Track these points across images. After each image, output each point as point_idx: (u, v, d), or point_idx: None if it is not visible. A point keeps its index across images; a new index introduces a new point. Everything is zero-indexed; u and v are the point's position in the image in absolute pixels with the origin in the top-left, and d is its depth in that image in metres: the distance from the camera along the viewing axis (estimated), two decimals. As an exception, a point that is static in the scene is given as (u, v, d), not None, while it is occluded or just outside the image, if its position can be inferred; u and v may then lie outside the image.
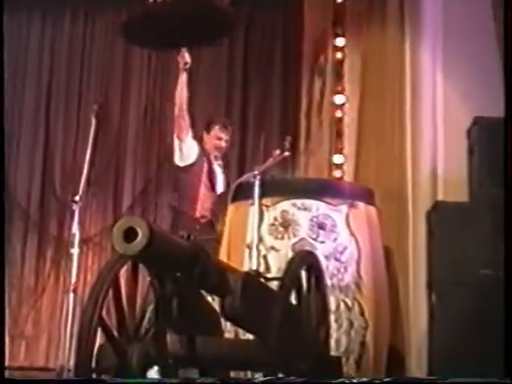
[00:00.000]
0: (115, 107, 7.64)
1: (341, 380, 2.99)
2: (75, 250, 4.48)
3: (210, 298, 3.11)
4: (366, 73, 5.88)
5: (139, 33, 5.36)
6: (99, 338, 2.66)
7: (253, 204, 4.25)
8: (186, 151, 5.42)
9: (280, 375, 2.92)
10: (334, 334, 4.15)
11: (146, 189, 7.52)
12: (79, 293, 4.54)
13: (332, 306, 4.18)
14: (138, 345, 2.67)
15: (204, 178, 5.41)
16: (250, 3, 7.44)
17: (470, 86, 5.30)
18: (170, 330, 2.85)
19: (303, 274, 3.02)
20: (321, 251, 4.22)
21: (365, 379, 2.92)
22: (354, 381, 2.95)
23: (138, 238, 2.40)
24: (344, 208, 4.41)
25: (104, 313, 2.62)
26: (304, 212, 4.37)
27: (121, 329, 2.68)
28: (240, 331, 3.47)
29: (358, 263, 4.36)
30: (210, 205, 5.34)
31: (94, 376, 2.65)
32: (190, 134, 5.47)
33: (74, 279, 4.45)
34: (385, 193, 5.20)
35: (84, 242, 7.02)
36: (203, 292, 2.93)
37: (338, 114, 6.05)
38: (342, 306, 4.28)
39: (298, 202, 4.39)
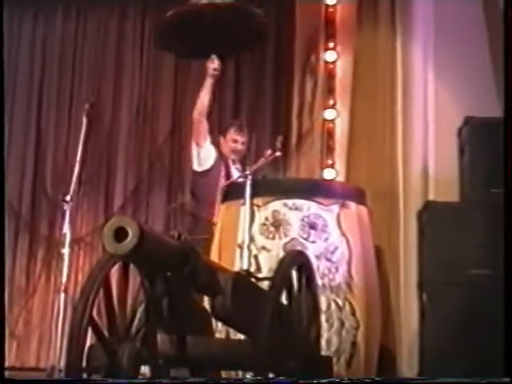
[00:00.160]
0: (107, 106, 7.62)
1: (331, 380, 3.00)
2: (66, 250, 4.47)
3: (202, 299, 3.12)
4: (357, 73, 5.88)
5: (171, 38, 5.38)
6: (90, 338, 2.66)
7: (244, 204, 4.24)
8: (203, 156, 5.40)
9: (270, 375, 2.93)
10: (325, 334, 4.16)
11: (138, 188, 7.49)
12: (70, 293, 4.53)
13: (323, 305, 4.18)
14: (129, 345, 2.67)
15: (222, 182, 5.38)
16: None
17: (461, 85, 5.32)
18: (160, 330, 2.85)
19: (294, 273, 3.02)
20: (312, 251, 4.22)
21: (355, 379, 2.92)
22: (344, 381, 2.96)
23: (129, 238, 2.40)
24: (335, 208, 4.41)
25: (95, 313, 2.61)
26: (295, 212, 4.37)
27: (111, 329, 2.68)
28: (231, 331, 3.48)
29: (349, 263, 4.36)
30: None
31: (84, 376, 2.65)
32: (208, 139, 5.44)
33: (64, 279, 4.44)
34: (376, 192, 5.21)
35: (75, 241, 7.02)
36: (194, 292, 2.93)
37: (330, 114, 6.05)
38: (333, 305, 4.28)
39: (289, 201, 4.39)
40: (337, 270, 4.33)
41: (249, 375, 3.42)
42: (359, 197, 4.62)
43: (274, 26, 7.40)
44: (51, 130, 7.69)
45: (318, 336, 3.28)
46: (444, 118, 5.29)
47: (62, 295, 4.41)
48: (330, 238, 4.36)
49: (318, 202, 4.40)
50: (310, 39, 6.31)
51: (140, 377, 2.76)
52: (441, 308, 4.80)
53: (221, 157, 5.45)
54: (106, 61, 7.73)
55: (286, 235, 4.35)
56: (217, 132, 5.75)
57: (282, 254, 4.06)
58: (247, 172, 4.31)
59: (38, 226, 7.45)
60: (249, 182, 4.22)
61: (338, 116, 5.98)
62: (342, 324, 4.29)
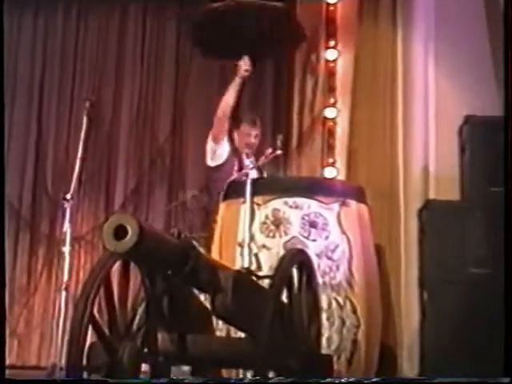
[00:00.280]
0: (108, 104, 7.62)
1: (330, 380, 3.00)
2: (67, 248, 4.48)
3: (203, 297, 3.12)
4: (358, 71, 5.88)
5: (203, 34, 5.42)
6: (90, 336, 2.66)
7: (244, 202, 4.25)
8: (218, 153, 5.39)
9: (271, 373, 2.94)
10: (325, 332, 4.16)
11: (139, 187, 7.50)
12: (71, 291, 4.54)
13: (324, 304, 4.19)
14: (129, 343, 2.67)
15: (235, 176, 5.35)
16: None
17: (462, 84, 5.32)
18: (161, 328, 2.86)
19: (294, 272, 3.02)
20: (312, 249, 4.22)
21: (353, 379, 2.93)
22: (343, 380, 2.96)
23: (128, 236, 2.40)
24: (335, 206, 4.41)
25: (96, 312, 2.62)
26: (295, 210, 4.37)
27: (112, 327, 2.68)
28: (232, 329, 3.47)
29: (350, 261, 4.36)
30: None
31: (85, 374, 2.66)
32: (226, 136, 5.43)
33: (65, 277, 4.44)
34: (376, 191, 5.21)
35: (76, 240, 7.02)
36: (194, 290, 2.93)
37: (331, 113, 6.05)
38: (334, 304, 4.29)
39: (290, 200, 4.39)
40: (337, 268, 4.33)
41: (249, 373, 3.43)
42: (359, 195, 4.63)
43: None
44: (52, 129, 7.68)
45: (319, 334, 3.28)
46: (445, 117, 5.29)
47: (63, 293, 4.42)
48: (330, 237, 4.37)
49: (318, 201, 4.40)
50: (310, 38, 6.30)
51: (141, 376, 2.76)
52: (441, 306, 4.80)
53: (234, 151, 5.42)
54: (106, 59, 7.73)
55: (286, 234, 4.35)
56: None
57: (282, 252, 4.06)
58: (247, 170, 4.32)
59: (39, 225, 7.45)
60: (249, 181, 4.23)
61: (338, 114, 5.98)
62: (343, 322, 4.29)
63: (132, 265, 2.71)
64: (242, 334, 3.06)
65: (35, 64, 7.78)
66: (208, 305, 2.94)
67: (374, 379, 3.86)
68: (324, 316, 4.13)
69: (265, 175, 5.20)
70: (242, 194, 4.28)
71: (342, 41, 6.13)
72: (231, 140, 5.46)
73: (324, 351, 3.70)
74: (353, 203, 4.50)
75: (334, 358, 4.11)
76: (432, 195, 5.20)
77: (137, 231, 2.41)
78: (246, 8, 5.15)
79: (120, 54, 7.72)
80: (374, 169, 5.53)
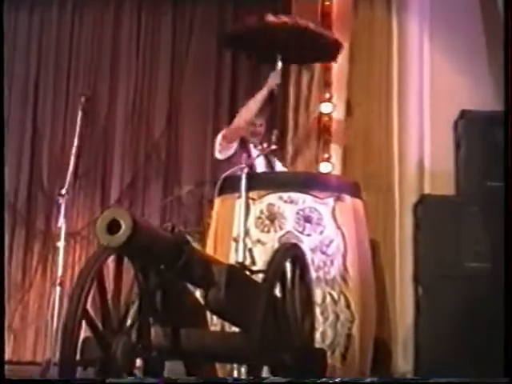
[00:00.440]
0: (103, 100, 7.62)
1: (325, 379, 3.00)
2: (61, 244, 4.48)
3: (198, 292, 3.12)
4: (353, 67, 5.88)
5: (238, 44, 5.52)
6: (84, 331, 2.66)
7: (239, 197, 4.25)
8: (228, 147, 5.33)
9: (264, 368, 2.94)
10: (320, 327, 4.17)
11: (134, 182, 7.49)
12: (66, 287, 4.54)
13: (318, 298, 4.19)
14: (123, 337, 2.67)
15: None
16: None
17: (457, 79, 5.32)
18: (154, 323, 2.86)
19: (288, 266, 3.02)
20: (307, 244, 4.22)
21: (348, 379, 2.93)
22: (338, 380, 2.96)
23: (122, 230, 2.40)
24: (330, 201, 4.41)
25: (91, 308, 2.62)
26: (290, 205, 4.37)
27: (105, 321, 2.68)
28: (226, 324, 3.47)
29: (345, 256, 4.36)
30: None
31: (78, 368, 2.66)
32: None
33: (60, 272, 4.44)
34: (372, 186, 5.21)
35: (71, 235, 7.03)
36: (188, 284, 2.93)
37: (326, 108, 6.05)
38: (328, 298, 4.28)
39: (285, 195, 4.38)
40: (332, 263, 4.33)
41: (243, 368, 3.43)
42: (354, 190, 4.62)
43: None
44: (47, 125, 7.68)
45: (312, 328, 3.28)
46: (440, 112, 5.29)
47: (58, 288, 4.42)
48: (325, 231, 4.36)
49: (313, 196, 4.40)
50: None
51: (136, 371, 2.76)
52: (436, 301, 4.81)
53: (242, 142, 5.37)
54: (102, 55, 7.73)
55: (281, 228, 4.35)
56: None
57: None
58: (243, 165, 4.31)
59: (35, 220, 7.45)
60: (244, 176, 4.22)
61: (334, 110, 5.97)
62: (337, 317, 4.29)
63: (126, 259, 2.71)
64: (236, 329, 3.06)
65: (30, 60, 7.77)
66: (201, 299, 2.94)
67: (369, 380, 3.89)
68: (318, 310, 4.13)
69: (275, 165, 5.20)
70: (237, 189, 4.28)
71: (338, 36, 6.12)
72: (242, 138, 5.40)
73: (318, 346, 3.71)
74: (348, 198, 4.50)
75: (329, 353, 4.12)
76: (427, 190, 5.20)
77: (130, 226, 2.41)
78: (279, 27, 5.18)
79: (115, 50, 7.72)
80: (369, 164, 5.53)
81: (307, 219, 4.36)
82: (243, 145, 5.36)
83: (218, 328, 3.73)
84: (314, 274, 4.06)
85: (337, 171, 5.75)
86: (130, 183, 7.47)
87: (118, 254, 2.68)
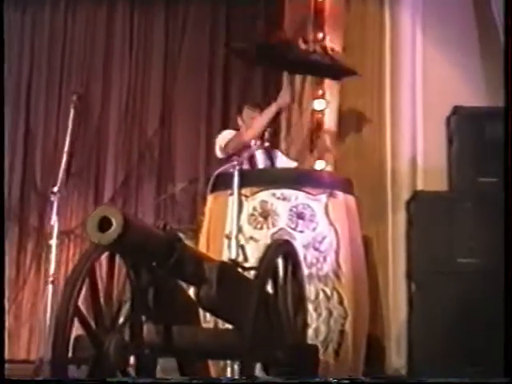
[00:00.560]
0: (96, 98, 7.62)
1: (319, 379, 3.01)
2: (54, 242, 4.48)
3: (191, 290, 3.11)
4: (345, 61, 5.88)
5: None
6: (77, 329, 2.66)
7: (232, 194, 4.25)
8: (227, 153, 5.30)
9: (257, 364, 2.94)
10: (313, 323, 4.18)
11: (128, 180, 7.50)
12: (60, 285, 4.53)
13: (311, 295, 4.20)
14: (116, 335, 2.67)
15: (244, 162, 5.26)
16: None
17: (449, 74, 5.32)
18: (146, 320, 2.86)
19: (280, 262, 3.02)
20: (300, 241, 4.23)
21: (342, 378, 2.93)
22: (332, 380, 2.97)
23: (112, 228, 2.40)
24: (323, 198, 4.42)
25: (84, 306, 2.62)
26: (283, 202, 4.37)
27: (98, 319, 2.68)
28: (219, 321, 3.47)
29: (337, 253, 4.36)
30: None
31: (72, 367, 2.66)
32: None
33: (52, 271, 4.44)
34: (364, 182, 5.21)
35: (65, 234, 7.03)
36: (180, 282, 2.93)
37: (319, 104, 6.04)
38: (321, 295, 4.29)
39: (278, 191, 4.39)
40: (325, 259, 4.33)
41: (236, 364, 3.44)
42: (347, 186, 4.63)
43: (263, 17, 7.42)
44: (40, 123, 7.68)
45: (305, 325, 3.28)
46: (432, 108, 5.28)
47: (50, 287, 4.41)
48: (317, 228, 4.37)
49: (305, 192, 4.40)
50: (298, 29, 6.29)
51: (129, 369, 2.76)
52: (429, 297, 4.81)
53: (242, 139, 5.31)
54: (95, 53, 7.73)
55: (274, 225, 4.35)
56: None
57: (270, 244, 4.05)
58: (235, 162, 4.31)
59: (28, 219, 7.45)
60: (237, 173, 4.22)
61: (327, 106, 5.96)
62: (330, 313, 4.29)
63: (118, 257, 2.71)
64: (228, 326, 3.06)
65: (23, 58, 7.76)
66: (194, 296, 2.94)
67: (361, 378, 3.90)
68: (311, 307, 4.15)
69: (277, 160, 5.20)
70: (229, 186, 4.27)
71: (330, 33, 6.12)
72: (237, 130, 5.37)
73: (311, 342, 3.72)
74: (340, 195, 4.50)
75: (322, 349, 4.14)
76: (420, 186, 5.20)
77: (121, 223, 2.41)
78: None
79: (108, 49, 7.72)
80: (361, 160, 5.53)
81: (300, 216, 4.36)
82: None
83: (211, 325, 3.73)
84: (306, 271, 4.08)
85: (330, 168, 5.74)
86: (123, 181, 7.47)
87: (110, 252, 2.68)
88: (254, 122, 5.16)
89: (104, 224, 2.43)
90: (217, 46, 7.58)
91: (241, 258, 4.10)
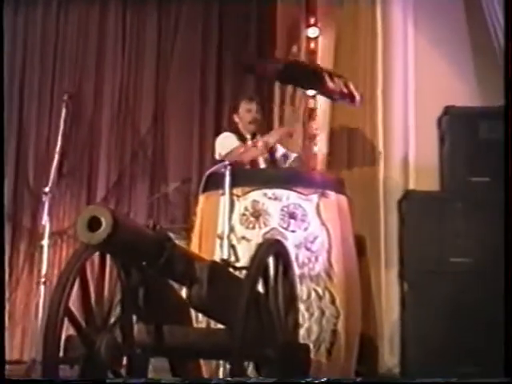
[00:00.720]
0: (89, 98, 7.62)
1: (310, 380, 3.01)
2: (45, 242, 4.47)
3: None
4: (337, 59, 5.90)
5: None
6: (68, 329, 2.66)
7: (223, 194, 4.25)
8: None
9: (250, 364, 2.95)
10: (305, 323, 4.18)
11: (121, 180, 7.50)
12: (52, 285, 4.53)
13: (303, 295, 4.20)
14: (107, 335, 2.68)
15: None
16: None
17: (441, 74, 5.32)
18: (137, 320, 2.86)
19: (270, 262, 3.02)
20: (291, 241, 4.23)
21: (334, 379, 2.93)
22: (324, 380, 2.97)
23: (102, 227, 2.41)
24: (315, 197, 4.41)
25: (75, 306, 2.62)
26: (274, 202, 4.37)
27: (88, 319, 2.68)
28: (212, 321, 3.47)
29: (329, 252, 4.36)
30: None
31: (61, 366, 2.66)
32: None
33: (44, 271, 4.44)
34: (356, 182, 5.22)
35: (58, 234, 7.03)
36: (170, 281, 2.93)
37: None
38: (313, 294, 4.29)
39: (269, 191, 4.38)
40: (316, 259, 4.33)
41: (228, 364, 3.43)
42: (339, 186, 4.63)
43: (256, 16, 7.44)
44: (33, 123, 7.68)
45: (296, 324, 3.29)
46: (424, 108, 5.29)
47: (42, 287, 4.41)
48: (309, 228, 4.37)
49: (297, 192, 4.40)
50: (291, 29, 6.32)
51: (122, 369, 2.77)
52: (421, 296, 4.81)
53: (240, 137, 5.28)
54: (87, 53, 7.74)
55: (265, 225, 4.35)
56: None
57: (262, 244, 4.05)
58: (227, 162, 4.31)
59: (21, 219, 7.44)
60: (228, 172, 4.22)
61: (319, 103, 5.95)
62: (323, 313, 4.29)
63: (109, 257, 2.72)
64: (220, 326, 3.06)
65: (16, 57, 7.76)
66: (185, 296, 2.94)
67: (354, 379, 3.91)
68: (303, 307, 4.15)
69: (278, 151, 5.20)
70: (221, 186, 4.28)
71: (323, 30, 6.13)
72: (235, 130, 5.34)
73: (304, 341, 3.72)
74: (332, 194, 4.50)
75: (314, 349, 4.14)
76: (412, 186, 5.20)
77: (111, 223, 2.42)
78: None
79: (101, 48, 7.73)
80: (353, 159, 5.54)
81: (292, 216, 4.36)
82: (242, 138, 5.29)
83: (203, 325, 3.73)
84: (298, 271, 4.09)
85: (321, 167, 5.74)
86: (116, 181, 7.48)
87: (101, 252, 2.69)
88: (266, 138, 5.13)
89: (94, 224, 2.44)
90: (209, 46, 7.60)
91: (233, 258, 4.10)
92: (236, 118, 5.35)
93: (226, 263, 3.29)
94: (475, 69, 5.32)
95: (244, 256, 4.19)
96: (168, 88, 7.53)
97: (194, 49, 7.60)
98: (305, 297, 4.23)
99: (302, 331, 3.90)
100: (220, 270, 2.91)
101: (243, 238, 4.32)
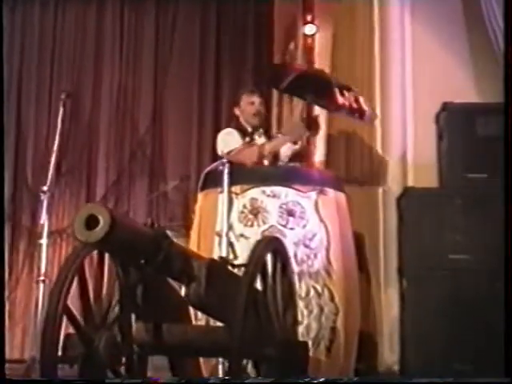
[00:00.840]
0: (87, 97, 7.62)
1: (308, 380, 3.01)
2: (44, 241, 4.47)
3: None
4: (335, 58, 5.89)
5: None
6: (67, 327, 2.66)
7: (222, 192, 4.25)
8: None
9: (248, 362, 2.95)
10: (304, 320, 4.18)
11: (120, 178, 7.50)
12: (52, 284, 4.52)
13: (302, 292, 4.21)
14: (106, 333, 2.68)
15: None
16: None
17: (438, 71, 5.32)
18: (136, 318, 2.86)
19: (269, 259, 3.02)
20: (290, 238, 4.24)
21: (331, 379, 2.93)
22: (321, 380, 2.97)
23: (100, 226, 2.41)
24: (313, 194, 4.41)
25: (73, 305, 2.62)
26: (273, 199, 4.37)
27: (87, 317, 2.69)
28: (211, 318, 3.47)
29: (328, 249, 4.36)
30: None
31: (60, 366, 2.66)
32: None
33: (43, 269, 4.44)
34: (355, 179, 5.22)
35: (57, 233, 7.03)
36: (168, 279, 2.93)
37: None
38: (312, 292, 4.29)
39: (267, 189, 4.39)
40: (315, 256, 4.33)
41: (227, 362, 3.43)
42: (337, 183, 4.63)
43: (253, 14, 7.44)
44: (31, 122, 7.69)
45: (295, 321, 3.29)
46: (422, 104, 5.28)
47: (41, 286, 4.41)
48: (308, 225, 4.37)
49: (295, 189, 4.40)
50: (288, 26, 6.31)
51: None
52: (420, 293, 4.81)
53: (242, 132, 5.24)
54: (85, 52, 7.74)
55: (264, 222, 4.35)
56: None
57: (260, 241, 4.04)
58: (225, 160, 4.31)
59: (20, 218, 7.45)
60: (227, 170, 4.22)
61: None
62: (322, 310, 4.29)
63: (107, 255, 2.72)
64: (219, 323, 3.06)
65: (13, 56, 7.75)
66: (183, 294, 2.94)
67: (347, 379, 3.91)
68: (302, 304, 4.16)
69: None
70: (219, 184, 4.27)
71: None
72: (236, 121, 5.30)
73: (303, 339, 3.72)
74: (330, 191, 4.50)
75: (314, 346, 4.15)
76: (410, 183, 5.20)
77: (108, 221, 2.42)
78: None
79: (98, 47, 7.73)
80: (352, 156, 5.53)
81: (290, 213, 4.36)
82: (244, 133, 5.27)
83: (202, 323, 3.73)
84: (297, 268, 4.10)
85: (319, 164, 5.75)
86: (115, 180, 7.48)
87: (99, 250, 2.69)
88: (273, 143, 5.11)
89: (91, 222, 2.44)
90: (207, 44, 7.60)
91: (232, 256, 4.10)
92: (237, 111, 5.26)
93: (224, 261, 3.29)
94: (473, 65, 5.32)
95: (242, 254, 4.19)
96: (166, 86, 7.53)
97: (192, 47, 7.60)
98: (304, 294, 4.24)
99: (300, 328, 3.90)
100: (218, 267, 2.91)
101: (242, 235, 4.32)
